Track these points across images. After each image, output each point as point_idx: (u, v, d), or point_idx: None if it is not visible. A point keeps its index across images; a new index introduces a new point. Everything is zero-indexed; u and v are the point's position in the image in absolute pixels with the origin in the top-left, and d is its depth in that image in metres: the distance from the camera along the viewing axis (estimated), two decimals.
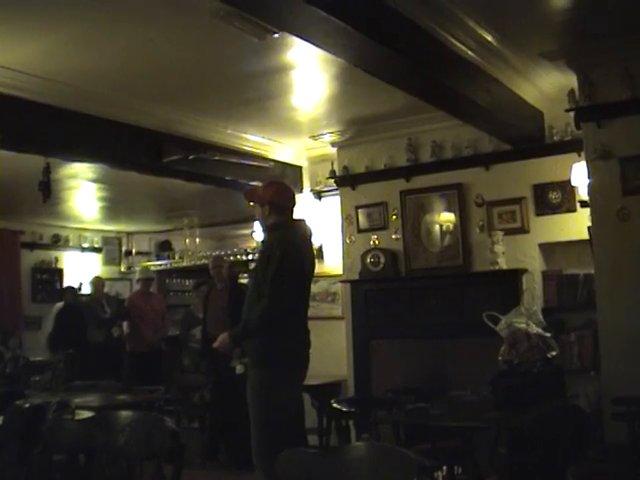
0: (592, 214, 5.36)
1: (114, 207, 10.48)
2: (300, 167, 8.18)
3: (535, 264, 6.32)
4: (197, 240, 12.51)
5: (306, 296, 4.42)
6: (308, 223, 4.52)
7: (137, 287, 9.83)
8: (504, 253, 6.27)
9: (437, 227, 6.81)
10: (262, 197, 4.42)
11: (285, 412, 4.16)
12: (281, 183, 4.87)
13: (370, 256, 7.02)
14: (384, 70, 4.81)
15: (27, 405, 4.10)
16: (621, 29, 4.89)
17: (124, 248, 12.92)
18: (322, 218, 7.77)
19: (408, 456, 2.06)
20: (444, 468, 4.58)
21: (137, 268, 11.80)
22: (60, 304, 10.15)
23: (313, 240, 4.52)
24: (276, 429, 4.05)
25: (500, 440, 4.51)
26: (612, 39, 5.03)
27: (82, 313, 9.40)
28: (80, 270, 11.93)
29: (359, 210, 7.26)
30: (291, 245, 4.24)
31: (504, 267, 6.26)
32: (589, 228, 5.46)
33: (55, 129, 5.71)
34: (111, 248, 12.75)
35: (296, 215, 4.48)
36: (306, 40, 4.25)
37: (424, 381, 6.19)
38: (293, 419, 4.27)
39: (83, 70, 5.29)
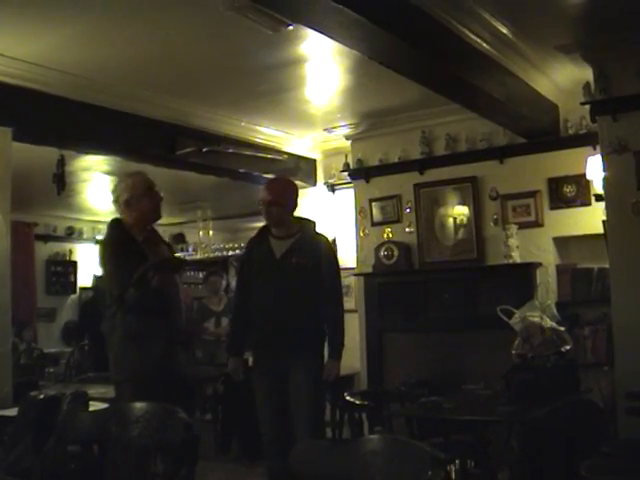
0: (607, 208, 5.33)
1: None
2: (314, 160, 8.17)
3: (549, 258, 6.30)
4: (211, 233, 12.51)
5: None
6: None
7: None
8: (518, 247, 6.25)
9: (451, 220, 6.79)
10: (287, 203, 4.36)
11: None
12: (293, 183, 4.72)
13: (384, 249, 7.01)
14: (399, 62, 4.79)
15: (42, 396, 4.11)
16: (637, 22, 4.85)
17: None
18: (336, 211, 7.76)
19: (422, 448, 2.05)
20: (457, 462, 4.57)
21: None
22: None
23: None
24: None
25: (513, 434, 4.51)
26: (628, 32, 4.98)
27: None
28: (94, 262, 11.97)
29: (373, 203, 7.25)
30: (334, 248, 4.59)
31: (518, 261, 6.25)
32: (604, 222, 5.43)
33: (69, 121, 5.72)
34: None
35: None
36: (320, 32, 4.24)
37: (437, 374, 6.18)
38: None
39: (97, 63, 5.30)
